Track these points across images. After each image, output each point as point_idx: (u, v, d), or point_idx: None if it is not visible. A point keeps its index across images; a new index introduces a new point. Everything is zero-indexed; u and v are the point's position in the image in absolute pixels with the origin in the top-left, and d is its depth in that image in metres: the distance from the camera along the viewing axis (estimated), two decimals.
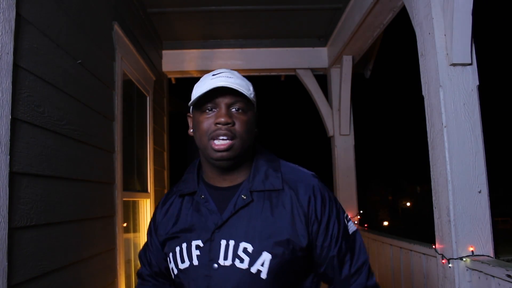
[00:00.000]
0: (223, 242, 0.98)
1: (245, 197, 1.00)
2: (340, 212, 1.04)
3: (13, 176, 1.26)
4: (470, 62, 1.82)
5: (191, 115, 1.07)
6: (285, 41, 4.00)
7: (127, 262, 2.68)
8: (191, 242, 1.01)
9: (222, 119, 0.96)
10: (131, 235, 2.92)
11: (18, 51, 1.31)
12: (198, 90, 1.00)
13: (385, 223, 35.57)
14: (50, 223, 1.50)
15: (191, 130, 1.07)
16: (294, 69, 4.03)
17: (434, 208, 1.92)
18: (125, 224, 2.59)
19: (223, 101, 0.98)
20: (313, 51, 4.02)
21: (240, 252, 0.96)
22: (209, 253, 0.98)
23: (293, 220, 0.98)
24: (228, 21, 3.59)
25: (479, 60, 1.85)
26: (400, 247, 2.51)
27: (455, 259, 1.73)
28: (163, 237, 1.08)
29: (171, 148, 4.21)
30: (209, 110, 0.99)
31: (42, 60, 1.49)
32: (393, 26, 3.06)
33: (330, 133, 3.96)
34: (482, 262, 1.61)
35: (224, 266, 0.96)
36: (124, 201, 2.52)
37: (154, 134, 3.44)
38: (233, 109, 0.99)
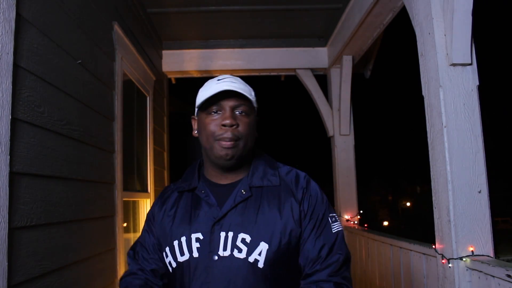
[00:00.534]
0: (223, 234, 1.03)
1: (244, 192, 1.07)
2: (326, 210, 1.11)
3: (13, 176, 1.26)
4: (470, 62, 1.82)
5: (196, 118, 1.15)
6: (285, 41, 4.00)
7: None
8: (191, 235, 1.06)
9: (228, 121, 1.03)
10: (131, 235, 2.92)
11: (18, 51, 1.32)
12: (205, 93, 1.07)
13: (385, 223, 35.55)
14: (50, 223, 1.50)
15: (196, 132, 1.14)
16: (294, 69, 4.03)
17: (434, 208, 1.92)
18: (125, 224, 2.59)
19: (228, 104, 1.05)
20: (313, 51, 4.02)
21: (238, 243, 1.02)
22: (209, 245, 1.03)
23: (289, 213, 1.06)
24: (228, 21, 3.59)
25: (479, 60, 1.85)
26: (400, 247, 2.51)
27: (455, 259, 1.73)
28: (160, 231, 1.13)
29: (171, 148, 4.21)
30: (215, 113, 1.06)
31: (42, 60, 1.49)
32: (393, 26, 3.06)
33: (330, 133, 3.96)
34: (482, 262, 1.61)
35: (224, 257, 1.01)
36: (124, 201, 2.52)
37: (154, 134, 3.44)
38: (237, 112, 1.06)
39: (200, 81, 1.11)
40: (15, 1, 1.28)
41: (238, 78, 1.11)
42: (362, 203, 4.10)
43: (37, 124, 1.43)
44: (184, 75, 4.16)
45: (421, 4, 1.97)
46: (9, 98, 1.24)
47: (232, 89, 1.03)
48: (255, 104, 1.12)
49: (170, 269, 1.08)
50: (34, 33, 1.45)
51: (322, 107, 4.00)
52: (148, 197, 3.22)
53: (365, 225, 3.62)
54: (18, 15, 1.31)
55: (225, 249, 1.02)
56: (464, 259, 1.72)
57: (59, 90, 1.64)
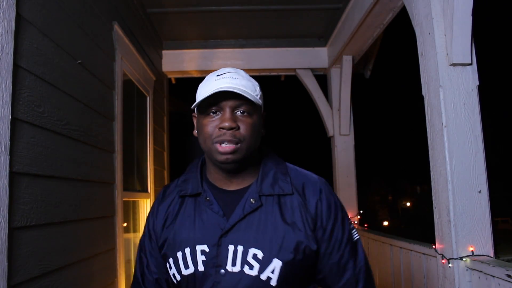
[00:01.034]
0: (231, 248, 0.95)
1: (253, 201, 0.97)
2: (345, 219, 1.03)
3: (13, 176, 1.26)
4: (470, 62, 1.82)
5: (196, 116, 1.03)
6: (285, 41, 4.00)
7: (127, 262, 2.68)
8: (195, 246, 0.97)
9: (227, 124, 0.93)
10: (131, 235, 2.92)
11: (18, 51, 1.31)
12: (202, 91, 0.97)
13: (385, 223, 35.57)
14: (50, 223, 1.50)
15: (196, 131, 1.04)
16: (294, 69, 4.03)
17: (434, 208, 1.92)
18: (125, 224, 2.59)
19: (227, 104, 0.94)
20: (313, 51, 4.02)
21: (249, 258, 0.93)
22: (216, 258, 0.95)
23: (303, 225, 0.96)
24: (228, 21, 3.59)
25: (479, 60, 1.85)
26: (400, 247, 2.51)
27: (455, 259, 1.73)
28: (162, 239, 1.03)
29: (171, 148, 4.20)
30: (213, 113, 0.96)
31: (42, 60, 1.49)
32: (393, 26, 3.06)
33: (330, 133, 3.96)
34: (482, 262, 1.61)
35: (232, 273, 0.93)
36: (124, 201, 2.52)
37: (154, 134, 3.44)
38: (238, 112, 0.95)
39: (200, 81, 1.03)
40: (15, 1, 1.28)
41: (241, 72, 1.00)
42: (362, 203, 4.10)
43: (37, 124, 1.43)
44: (184, 75, 4.16)
45: (421, 4, 1.97)
46: (9, 98, 1.24)
47: (231, 89, 0.92)
48: (260, 101, 0.99)
49: (175, 281, 1.01)
50: (34, 33, 1.45)
51: (322, 107, 4.00)
52: (148, 197, 3.22)
53: (365, 225, 3.62)
54: (18, 15, 1.31)
55: (234, 264, 0.94)
56: (464, 259, 1.72)
57: (59, 90, 1.64)
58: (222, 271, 0.94)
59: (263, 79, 4.34)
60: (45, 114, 1.50)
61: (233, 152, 0.93)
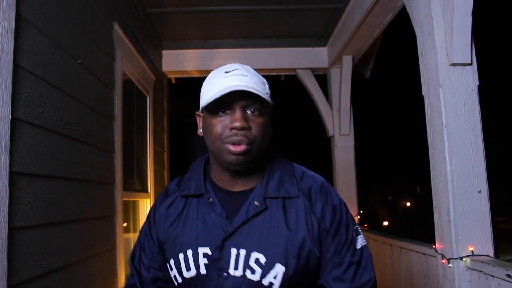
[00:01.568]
0: (234, 251, 0.92)
1: (258, 204, 0.93)
2: (350, 224, 0.99)
3: (13, 176, 1.26)
4: (470, 62, 1.82)
5: (201, 114, 0.98)
6: (285, 41, 4.00)
7: (127, 262, 2.68)
8: (198, 249, 0.94)
9: (238, 124, 0.87)
10: (131, 235, 2.92)
11: (18, 51, 1.31)
12: (210, 89, 0.91)
13: (385, 223, 35.56)
14: (50, 223, 1.50)
15: (201, 130, 0.99)
16: (294, 69, 4.03)
17: (434, 208, 1.92)
18: (125, 224, 2.59)
19: (238, 104, 0.89)
20: (313, 51, 4.02)
21: (251, 263, 0.91)
22: (219, 262, 0.92)
23: (307, 230, 0.93)
24: (228, 21, 3.59)
25: (479, 60, 1.85)
26: (400, 247, 2.51)
27: (455, 259, 1.73)
28: (163, 239, 1.00)
29: (171, 148, 4.21)
30: (222, 112, 0.90)
31: (42, 60, 1.49)
32: (393, 26, 3.06)
33: (330, 133, 3.96)
34: (482, 262, 1.61)
35: (235, 277, 0.91)
36: (124, 201, 2.52)
37: (154, 134, 3.44)
38: (249, 111, 0.90)
39: (200, 81, 1.00)
40: (15, 1, 1.28)
41: (249, 68, 0.95)
42: (362, 203, 4.10)
43: (37, 124, 1.43)
44: (184, 75, 4.16)
45: (421, 4, 1.97)
46: (9, 98, 1.24)
47: (244, 88, 0.87)
48: (271, 100, 0.94)
49: (176, 283, 0.98)
50: (34, 33, 1.45)
51: (322, 107, 4.00)
52: (148, 197, 3.22)
53: (365, 225, 3.62)
54: (18, 15, 1.31)
55: (236, 268, 0.91)
56: (464, 259, 1.72)
57: (59, 90, 1.64)
58: (225, 274, 0.92)
59: None
60: (45, 114, 1.50)
61: (244, 153, 0.89)
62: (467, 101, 1.82)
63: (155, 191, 3.35)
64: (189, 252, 0.95)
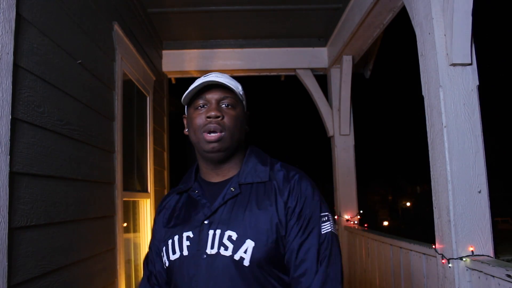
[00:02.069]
0: (211, 232, 1.03)
1: (233, 189, 1.07)
2: (316, 210, 1.05)
3: (13, 176, 1.26)
4: (470, 62, 1.82)
5: (186, 116, 1.16)
6: (285, 41, 4.00)
7: (127, 262, 2.68)
8: (183, 233, 1.07)
9: (213, 113, 1.05)
10: (131, 235, 2.92)
11: (18, 51, 1.32)
12: (191, 89, 1.09)
13: (385, 223, 35.57)
14: (50, 223, 1.50)
15: (186, 130, 1.15)
16: (294, 69, 4.03)
17: (434, 208, 1.92)
18: (125, 224, 2.59)
19: (213, 97, 1.08)
20: (313, 51, 4.02)
21: (225, 240, 1.01)
22: (198, 243, 1.03)
23: (276, 211, 1.03)
24: (228, 21, 3.59)
25: (479, 60, 1.85)
26: (400, 247, 2.51)
27: (455, 259, 1.73)
28: (161, 234, 1.14)
29: (171, 148, 4.21)
30: (201, 107, 1.08)
31: (42, 60, 1.50)
32: (393, 26, 3.06)
33: (330, 133, 3.96)
34: (482, 262, 1.61)
35: (211, 255, 1.01)
36: (124, 201, 2.52)
37: (154, 134, 3.44)
38: (223, 105, 1.08)
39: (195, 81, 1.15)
40: (15, 1, 1.28)
41: (225, 74, 1.12)
42: (362, 203, 4.10)
43: (37, 124, 1.43)
44: (184, 75, 4.16)
45: (421, 4, 1.97)
46: (9, 98, 1.24)
47: (216, 81, 1.06)
48: (242, 98, 1.12)
49: (165, 267, 1.10)
50: (34, 33, 1.45)
51: (322, 107, 4.00)
52: (148, 197, 3.22)
53: (365, 225, 3.62)
54: (18, 15, 1.31)
55: (212, 247, 1.01)
56: (464, 259, 1.72)
57: (59, 90, 1.64)
58: (204, 255, 1.02)
59: (263, 79, 4.35)
60: (45, 114, 1.50)
61: (218, 140, 1.04)
62: (467, 101, 1.82)
63: (155, 191, 3.36)
64: (176, 238, 1.08)
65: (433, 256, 2.01)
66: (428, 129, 1.96)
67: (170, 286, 1.11)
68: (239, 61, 3.97)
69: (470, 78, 1.83)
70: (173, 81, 4.29)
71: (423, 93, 1.99)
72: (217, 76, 1.08)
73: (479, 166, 1.79)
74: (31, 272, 1.35)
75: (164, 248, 1.10)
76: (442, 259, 1.82)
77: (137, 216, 3.09)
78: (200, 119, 1.07)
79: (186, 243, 1.05)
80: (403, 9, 2.36)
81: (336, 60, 3.78)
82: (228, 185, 1.09)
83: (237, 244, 1.00)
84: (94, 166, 1.99)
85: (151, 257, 1.18)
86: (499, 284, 1.50)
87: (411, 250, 2.35)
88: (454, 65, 1.82)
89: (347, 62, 3.67)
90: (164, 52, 3.99)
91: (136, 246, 3.00)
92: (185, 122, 1.18)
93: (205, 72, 3.99)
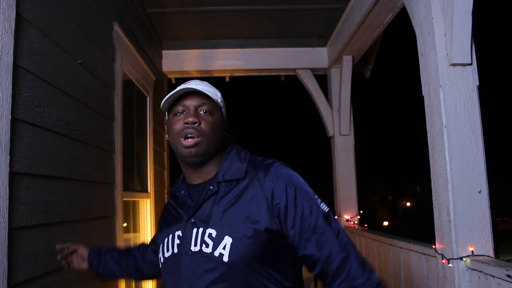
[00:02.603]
0: (195, 230, 1.08)
1: (212, 188, 1.10)
2: (304, 198, 1.04)
3: (13, 176, 1.26)
4: (470, 62, 1.82)
5: (166, 122, 1.20)
6: (285, 41, 4.00)
7: None
8: (175, 232, 1.13)
9: (190, 119, 1.09)
10: (131, 235, 2.92)
11: (18, 51, 1.31)
12: (170, 95, 1.13)
13: (385, 223, 35.58)
14: (50, 223, 1.50)
15: (167, 136, 1.19)
16: (294, 69, 4.03)
17: (434, 208, 1.92)
18: (125, 224, 2.59)
19: (191, 104, 1.11)
20: (313, 51, 4.02)
21: (206, 238, 1.05)
22: (184, 241, 1.09)
23: (256, 206, 1.04)
24: (228, 21, 3.59)
25: (479, 60, 1.85)
26: (400, 247, 2.51)
27: (455, 259, 1.73)
28: (160, 233, 1.24)
29: (171, 148, 4.19)
30: (180, 113, 1.12)
31: (42, 60, 1.49)
32: (393, 26, 3.06)
33: (330, 133, 3.96)
34: (482, 262, 1.61)
35: (194, 252, 1.05)
36: (124, 201, 2.52)
37: (154, 134, 3.44)
38: (201, 111, 1.11)
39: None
40: (15, 1, 1.28)
41: (205, 82, 1.16)
42: (362, 203, 4.10)
43: (37, 124, 1.43)
44: (184, 75, 4.16)
45: (421, 4, 1.97)
46: (9, 98, 1.24)
47: (194, 89, 1.09)
48: (221, 105, 1.16)
49: (160, 265, 1.17)
50: (34, 33, 1.45)
51: (322, 107, 4.00)
52: (148, 197, 3.22)
53: (365, 225, 3.62)
54: (18, 15, 1.31)
55: (195, 244, 1.06)
56: (464, 259, 1.72)
57: (59, 90, 1.64)
58: (189, 252, 1.07)
59: (263, 79, 4.35)
60: (45, 114, 1.50)
61: (194, 145, 1.08)
62: (467, 101, 1.82)
63: (155, 191, 3.35)
64: (170, 236, 1.14)
65: (433, 256, 2.01)
66: (428, 129, 1.96)
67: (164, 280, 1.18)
68: (239, 61, 3.97)
69: (470, 78, 1.83)
70: (173, 81, 4.29)
71: (423, 93, 2.00)
72: (196, 84, 1.12)
73: (479, 166, 1.79)
74: (31, 272, 1.35)
75: (161, 247, 1.17)
76: (442, 259, 1.82)
77: (137, 216, 3.09)
78: (178, 124, 1.10)
79: (176, 241, 1.11)
80: (403, 9, 2.36)
81: (336, 60, 3.78)
82: (208, 185, 1.12)
83: (217, 241, 1.03)
84: (94, 166, 1.99)
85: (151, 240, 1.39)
86: (499, 284, 1.50)
87: (411, 250, 2.35)
88: (454, 65, 1.82)
89: (347, 62, 3.67)
90: (164, 52, 3.99)
91: (136, 247, 2.99)
92: (165, 128, 1.22)
93: (205, 72, 4.03)
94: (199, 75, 4.09)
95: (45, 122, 1.50)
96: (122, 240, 2.38)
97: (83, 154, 1.85)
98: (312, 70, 4.04)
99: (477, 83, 1.83)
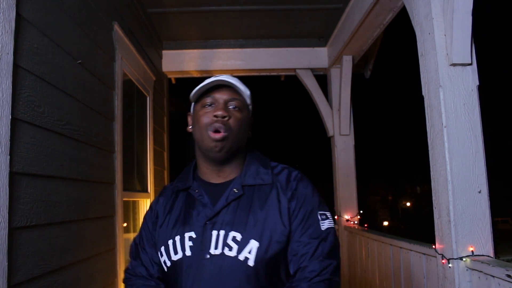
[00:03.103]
0: (215, 233, 1.04)
1: (236, 191, 1.08)
2: (315, 208, 1.09)
3: (13, 176, 1.26)
4: (470, 62, 1.82)
5: (191, 114, 1.16)
6: (285, 41, 3.99)
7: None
8: (184, 234, 1.07)
9: (220, 112, 1.06)
10: (131, 235, 2.92)
11: (18, 51, 1.31)
12: (200, 86, 1.09)
13: (385, 223, 35.58)
14: (50, 223, 1.50)
15: (190, 127, 1.16)
16: (294, 69, 4.03)
17: (434, 208, 1.92)
18: (125, 224, 2.59)
19: (222, 97, 1.09)
20: (313, 51, 4.02)
21: (229, 241, 1.02)
22: (202, 243, 1.04)
23: (279, 212, 1.05)
24: (228, 21, 3.59)
25: (479, 60, 1.85)
26: (400, 247, 2.51)
27: (455, 259, 1.73)
28: (156, 231, 1.15)
29: (171, 148, 4.20)
30: (209, 106, 1.09)
31: (42, 60, 1.49)
32: (393, 26, 3.06)
33: (330, 133, 3.96)
34: (482, 262, 1.61)
35: (215, 255, 1.02)
36: (124, 201, 2.52)
37: (154, 134, 3.44)
38: (230, 106, 1.09)
39: (200, 81, 1.13)
40: (15, 1, 1.28)
41: (236, 78, 1.13)
42: (362, 203, 4.10)
43: (37, 124, 1.43)
44: (184, 75, 4.16)
45: (421, 4, 1.97)
46: (9, 98, 1.24)
47: (227, 81, 1.07)
48: (249, 102, 1.14)
49: (165, 268, 1.09)
50: (34, 33, 1.45)
51: (322, 107, 4.00)
52: (148, 197, 3.22)
53: (365, 225, 3.62)
54: (18, 15, 1.31)
55: (216, 247, 1.02)
56: (464, 259, 1.72)
57: (59, 90, 1.64)
58: (207, 255, 1.02)
59: (263, 79, 4.34)
60: (45, 114, 1.50)
61: (222, 139, 1.05)
62: (467, 101, 1.82)
63: (155, 191, 3.35)
64: (177, 238, 1.08)
65: (433, 256, 2.01)
66: (428, 129, 1.96)
67: (170, 285, 1.10)
68: (239, 61, 3.97)
69: (470, 78, 1.83)
70: (173, 81, 4.29)
71: (423, 93, 1.99)
72: (228, 78, 1.09)
73: (479, 166, 1.79)
74: (31, 272, 1.35)
75: (163, 248, 1.09)
76: (442, 259, 1.82)
77: (137, 216, 3.09)
78: (206, 117, 1.07)
79: (188, 243, 1.05)
80: (403, 9, 2.36)
81: (336, 60, 3.78)
82: (231, 186, 1.09)
83: (242, 245, 1.01)
84: (94, 166, 1.99)
85: (141, 244, 1.19)
86: (499, 284, 1.50)
87: (411, 250, 2.35)
88: (454, 65, 1.82)
89: (347, 62, 3.67)
90: (164, 52, 3.99)
91: None
92: (189, 119, 1.18)
93: (205, 72, 4.03)
94: (199, 75, 4.10)
95: (45, 122, 1.50)
96: (122, 240, 2.38)
97: (83, 154, 1.85)
98: (312, 70, 4.04)
99: (477, 83, 1.83)
